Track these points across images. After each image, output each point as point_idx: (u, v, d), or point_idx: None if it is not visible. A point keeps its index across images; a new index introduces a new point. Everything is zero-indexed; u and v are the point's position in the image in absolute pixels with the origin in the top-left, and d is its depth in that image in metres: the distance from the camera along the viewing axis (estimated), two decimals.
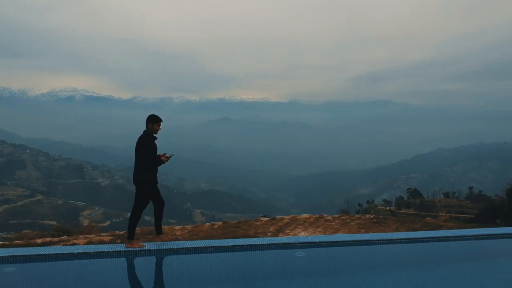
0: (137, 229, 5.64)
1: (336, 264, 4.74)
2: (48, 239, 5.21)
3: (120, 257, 4.61)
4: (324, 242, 4.86)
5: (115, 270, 4.49)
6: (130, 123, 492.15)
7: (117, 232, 5.86)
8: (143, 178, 4.77)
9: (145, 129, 4.96)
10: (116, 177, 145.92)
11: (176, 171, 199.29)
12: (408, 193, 76.98)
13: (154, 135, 4.97)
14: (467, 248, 5.44)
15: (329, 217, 6.34)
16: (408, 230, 5.63)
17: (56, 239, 5.10)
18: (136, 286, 4.16)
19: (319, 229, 5.50)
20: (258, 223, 5.79)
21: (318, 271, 4.41)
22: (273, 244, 4.69)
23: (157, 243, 4.92)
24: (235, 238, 5.26)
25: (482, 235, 5.60)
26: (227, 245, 4.59)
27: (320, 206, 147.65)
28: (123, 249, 4.61)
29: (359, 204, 76.33)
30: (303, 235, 5.13)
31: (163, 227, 6.43)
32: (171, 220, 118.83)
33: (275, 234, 5.17)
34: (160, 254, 4.69)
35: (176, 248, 4.69)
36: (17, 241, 5.56)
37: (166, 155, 4.79)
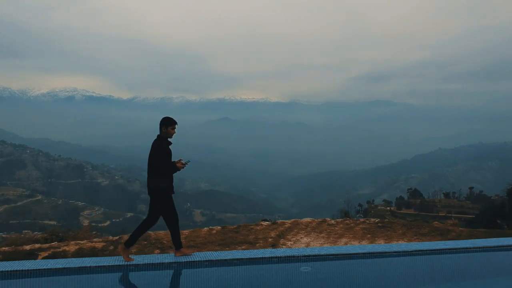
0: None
1: (346, 281, 4.11)
2: (37, 245, 4.99)
3: (111, 272, 4.03)
4: (332, 255, 4.26)
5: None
6: (130, 123, 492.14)
7: (110, 237, 5.57)
8: (158, 186, 4.35)
9: (158, 133, 4.59)
10: (116, 177, 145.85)
11: None
12: (409, 193, 77.09)
13: (169, 139, 4.63)
14: (492, 260, 4.77)
15: (333, 221, 6.23)
16: (415, 235, 5.51)
17: (46, 245, 4.92)
18: None
19: (322, 234, 5.44)
20: (258, 228, 5.77)
21: None
22: (275, 257, 4.14)
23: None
24: (234, 244, 4.97)
25: (507, 246, 4.90)
26: (224, 258, 4.08)
27: (320, 206, 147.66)
28: (111, 263, 4.04)
29: (359, 205, 76.44)
30: (305, 241, 5.04)
31: (160, 232, 6.16)
32: None
33: (276, 240, 5.14)
34: (146, 268, 4.12)
35: (160, 263, 4.11)
36: (3, 248, 5.26)
37: (182, 161, 4.47)
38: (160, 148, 4.43)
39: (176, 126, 4.63)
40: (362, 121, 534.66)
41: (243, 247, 4.40)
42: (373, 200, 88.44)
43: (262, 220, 6.87)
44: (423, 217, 63.25)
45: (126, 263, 4.19)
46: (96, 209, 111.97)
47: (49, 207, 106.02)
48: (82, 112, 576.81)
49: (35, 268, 3.77)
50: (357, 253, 4.43)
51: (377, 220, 6.26)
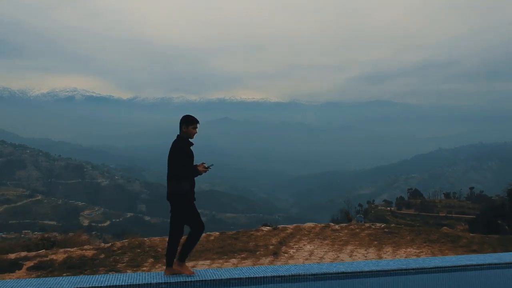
0: (124, 241, 5.16)
1: None
2: (23, 253, 4.66)
3: None
4: (342, 273, 3.64)
5: None
6: (130, 123, 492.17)
7: (102, 244, 5.17)
8: (177, 191, 3.93)
9: (178, 133, 4.18)
10: (116, 177, 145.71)
11: None
12: (409, 194, 76.87)
13: (190, 139, 4.18)
14: None
15: (337, 227, 5.96)
16: (425, 242, 5.22)
17: (33, 253, 4.60)
18: None
19: (326, 241, 5.16)
20: (258, 234, 5.45)
21: None
22: (278, 276, 3.58)
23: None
24: (233, 252, 4.64)
25: None
26: (217, 278, 3.47)
27: (320, 206, 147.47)
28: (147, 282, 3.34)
29: (360, 205, 76.23)
30: (309, 249, 4.73)
31: (155, 239, 5.64)
32: None
33: (278, 247, 4.84)
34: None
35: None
36: None
37: (205, 164, 4.07)
38: (180, 149, 4.02)
39: (197, 125, 4.19)
40: (362, 121, 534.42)
41: (242, 255, 4.12)
42: (373, 200, 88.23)
43: (262, 225, 6.55)
44: (423, 217, 63.11)
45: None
46: (96, 209, 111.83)
47: (49, 207, 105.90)
48: (82, 112, 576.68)
49: None
50: (370, 271, 3.76)
51: (383, 225, 5.95)
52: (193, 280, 3.53)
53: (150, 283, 3.38)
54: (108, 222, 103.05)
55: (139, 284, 3.34)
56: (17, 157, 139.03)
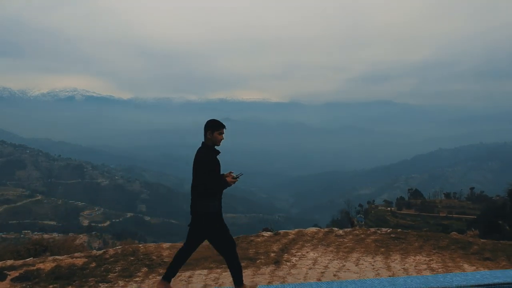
0: (118, 248, 4.82)
1: None
2: (9, 262, 4.42)
3: None
4: None
5: None
6: (130, 123, 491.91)
7: (93, 252, 4.86)
8: (208, 211, 3.51)
9: (203, 140, 3.74)
10: (116, 177, 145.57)
11: (176, 171, 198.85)
12: (409, 194, 76.68)
13: (216, 147, 3.75)
14: None
15: (341, 232, 5.73)
16: (434, 249, 4.94)
17: (20, 262, 4.36)
18: None
19: (330, 248, 4.91)
20: (259, 239, 5.12)
21: None
22: None
23: None
24: None
25: None
26: None
27: (320, 206, 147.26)
28: None
29: (360, 205, 76.08)
30: (312, 256, 4.49)
31: (150, 245, 5.14)
32: (172, 221, 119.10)
33: (280, 254, 4.54)
34: None
35: None
36: None
37: (233, 174, 3.66)
38: (209, 160, 3.58)
39: (224, 130, 3.78)
40: (362, 121, 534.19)
41: (242, 264, 3.87)
42: (374, 201, 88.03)
43: (263, 230, 6.28)
44: (424, 218, 62.98)
45: None
46: (96, 209, 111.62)
47: (49, 207, 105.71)
48: (82, 112, 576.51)
49: None
50: None
51: (389, 230, 5.69)
52: None
53: None
54: (108, 222, 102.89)
55: None
56: (17, 157, 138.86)
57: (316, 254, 4.55)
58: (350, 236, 5.41)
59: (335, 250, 4.73)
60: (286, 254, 4.53)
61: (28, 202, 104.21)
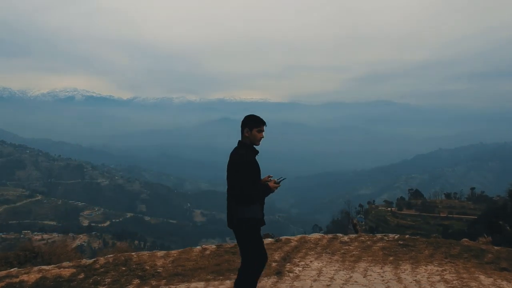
0: (109, 257, 4.43)
1: None
2: None
3: None
4: None
5: None
6: (130, 123, 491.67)
7: (83, 261, 4.56)
8: (250, 217, 3.12)
9: (240, 138, 3.36)
10: (116, 177, 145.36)
11: (176, 171, 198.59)
12: (409, 194, 76.37)
13: (255, 146, 3.36)
14: None
15: (345, 238, 5.43)
16: (446, 257, 4.65)
17: (3, 272, 4.08)
18: None
19: (335, 257, 4.60)
20: None
21: None
22: None
23: None
24: (231, 271, 4.04)
25: None
26: None
27: (321, 206, 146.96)
28: None
29: (360, 205, 75.77)
30: (317, 266, 4.17)
31: (144, 254, 4.78)
32: (171, 221, 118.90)
33: (281, 264, 4.17)
34: None
35: None
36: None
37: (275, 179, 3.30)
38: (250, 161, 3.17)
39: (264, 127, 3.38)
40: (362, 121, 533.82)
41: None
42: (374, 201, 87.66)
43: (263, 236, 5.94)
44: (424, 218, 62.75)
45: None
46: (96, 209, 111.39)
47: (49, 207, 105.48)
48: (82, 112, 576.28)
49: None
50: None
51: (396, 236, 5.37)
52: None
53: None
54: (108, 222, 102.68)
55: None
56: (17, 157, 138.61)
57: (320, 264, 4.20)
58: (356, 243, 5.10)
59: (340, 259, 4.40)
60: (288, 264, 4.18)
61: (28, 202, 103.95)
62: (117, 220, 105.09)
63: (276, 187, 3.29)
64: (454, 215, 59.94)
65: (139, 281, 3.71)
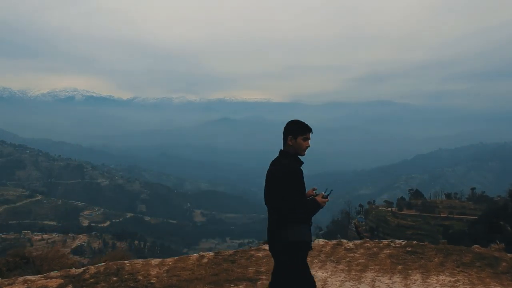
0: (100, 265, 4.19)
1: None
2: None
3: None
4: None
5: None
6: (130, 123, 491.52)
7: (72, 270, 4.26)
8: (296, 240, 2.65)
9: (282, 147, 2.98)
10: (116, 177, 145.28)
11: (176, 171, 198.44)
12: (410, 194, 76.13)
13: (299, 156, 3.00)
14: None
15: (350, 244, 5.13)
16: (458, 266, 4.38)
17: None
18: None
19: (340, 266, 4.32)
20: (260, 254, 4.61)
21: None
22: None
23: None
24: (229, 281, 3.78)
25: None
26: None
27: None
28: None
29: (360, 205, 75.56)
30: (321, 276, 3.93)
31: (137, 262, 4.38)
32: (171, 221, 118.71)
33: None
34: None
35: None
36: None
37: (322, 193, 2.91)
38: (296, 175, 2.78)
39: (311, 134, 3.00)
40: (362, 121, 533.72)
41: (240, 286, 3.36)
42: (374, 201, 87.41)
43: (264, 242, 5.64)
44: (424, 218, 62.52)
45: None
46: (96, 209, 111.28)
47: (49, 208, 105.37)
48: (82, 112, 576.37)
49: None
50: None
51: (403, 243, 5.10)
52: None
53: None
54: (108, 223, 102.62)
55: None
56: (17, 157, 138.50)
57: (325, 274, 3.91)
58: (362, 250, 4.82)
59: (346, 268, 4.15)
60: None
61: (28, 202, 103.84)
62: (117, 220, 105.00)
63: (325, 202, 2.84)
64: (455, 215, 59.70)
65: None
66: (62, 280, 3.66)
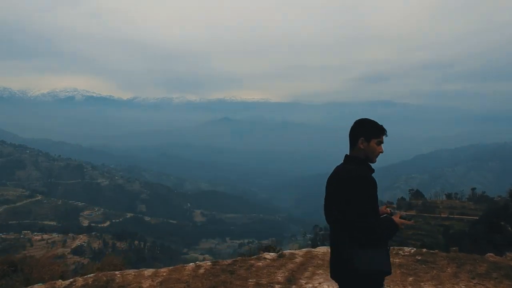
0: (89, 277, 3.98)
1: None
2: None
3: None
4: None
5: None
6: (130, 123, 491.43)
7: (58, 283, 4.07)
8: (372, 267, 2.09)
9: (348, 152, 2.49)
10: (116, 178, 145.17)
11: (176, 171, 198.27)
12: (410, 194, 76.03)
13: (370, 164, 2.49)
14: None
15: None
16: (473, 277, 4.11)
17: None
18: None
19: None
20: (260, 264, 4.41)
21: None
22: None
23: None
24: None
25: None
26: None
27: (321, 207, 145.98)
28: None
29: None
30: None
31: (129, 273, 4.14)
32: (171, 221, 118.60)
33: (286, 286, 3.79)
34: None
35: None
36: None
37: (398, 212, 2.42)
38: (366, 184, 2.27)
39: (384, 137, 2.42)
40: None
41: None
42: None
43: (264, 250, 5.37)
44: (425, 218, 62.41)
45: None
46: (96, 209, 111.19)
47: (49, 208, 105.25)
48: (82, 112, 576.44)
49: None
50: None
51: (412, 250, 4.83)
52: None
53: None
54: (108, 223, 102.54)
55: None
56: (17, 157, 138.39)
57: (331, 287, 3.71)
58: None
59: None
60: (294, 286, 3.69)
61: (28, 203, 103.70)
62: (117, 220, 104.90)
63: (404, 225, 2.26)
64: (455, 216, 59.59)
65: None
66: None
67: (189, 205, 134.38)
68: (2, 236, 73.33)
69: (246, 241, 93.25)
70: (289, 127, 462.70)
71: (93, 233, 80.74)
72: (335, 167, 2.46)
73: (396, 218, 2.33)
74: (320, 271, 4.29)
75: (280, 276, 4.08)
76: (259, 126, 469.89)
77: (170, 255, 76.10)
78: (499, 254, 4.81)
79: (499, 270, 4.19)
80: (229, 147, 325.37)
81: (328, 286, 3.73)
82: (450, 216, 59.90)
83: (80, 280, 3.97)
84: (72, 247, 70.25)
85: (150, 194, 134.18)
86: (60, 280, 4.09)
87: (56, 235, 75.58)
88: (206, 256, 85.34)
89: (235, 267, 4.06)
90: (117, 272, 4.26)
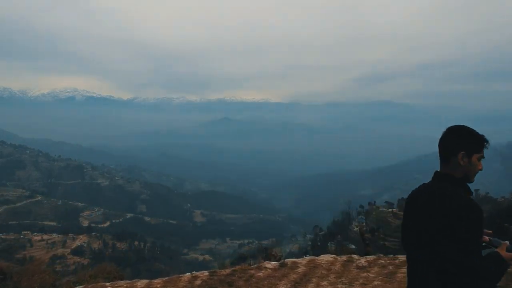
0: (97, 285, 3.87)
1: None
2: None
3: None
4: None
5: None
6: (130, 123, 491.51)
7: None
8: None
9: (439, 168, 2.02)
10: (116, 178, 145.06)
11: (176, 171, 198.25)
12: None
13: (468, 184, 2.00)
14: None
15: (362, 261, 4.55)
16: None
17: None
18: None
19: None
20: (260, 274, 4.15)
21: None
22: None
23: None
24: None
25: None
26: None
27: (321, 207, 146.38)
28: None
29: (361, 206, 75.36)
30: None
31: (121, 284, 4.00)
32: (171, 221, 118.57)
33: None
34: None
35: None
36: None
37: (506, 243, 1.86)
38: (471, 208, 1.78)
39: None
40: (362, 121, 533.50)
41: None
42: (375, 202, 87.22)
43: (265, 258, 5.20)
44: None
45: None
46: (96, 209, 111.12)
47: (49, 208, 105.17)
48: (82, 113, 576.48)
49: None
50: None
51: None
52: None
53: None
54: (108, 223, 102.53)
55: None
56: (17, 157, 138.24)
57: None
58: (376, 269, 4.27)
59: None
60: None
61: (28, 203, 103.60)
62: (117, 221, 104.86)
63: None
64: None
65: None
66: None
67: (189, 205, 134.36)
68: (2, 236, 73.33)
69: (246, 241, 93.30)
70: (289, 127, 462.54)
71: (93, 233, 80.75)
72: (420, 184, 1.91)
73: (502, 252, 1.71)
74: (325, 282, 4.02)
75: (281, 286, 3.88)
76: (259, 126, 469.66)
77: (170, 256, 76.16)
78: None
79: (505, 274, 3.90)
80: (229, 147, 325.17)
81: None
82: None
83: None
84: (72, 247, 70.28)
85: (150, 194, 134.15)
86: None
87: (56, 236, 75.57)
88: (206, 256, 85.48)
89: (234, 277, 3.85)
90: (107, 284, 4.11)
